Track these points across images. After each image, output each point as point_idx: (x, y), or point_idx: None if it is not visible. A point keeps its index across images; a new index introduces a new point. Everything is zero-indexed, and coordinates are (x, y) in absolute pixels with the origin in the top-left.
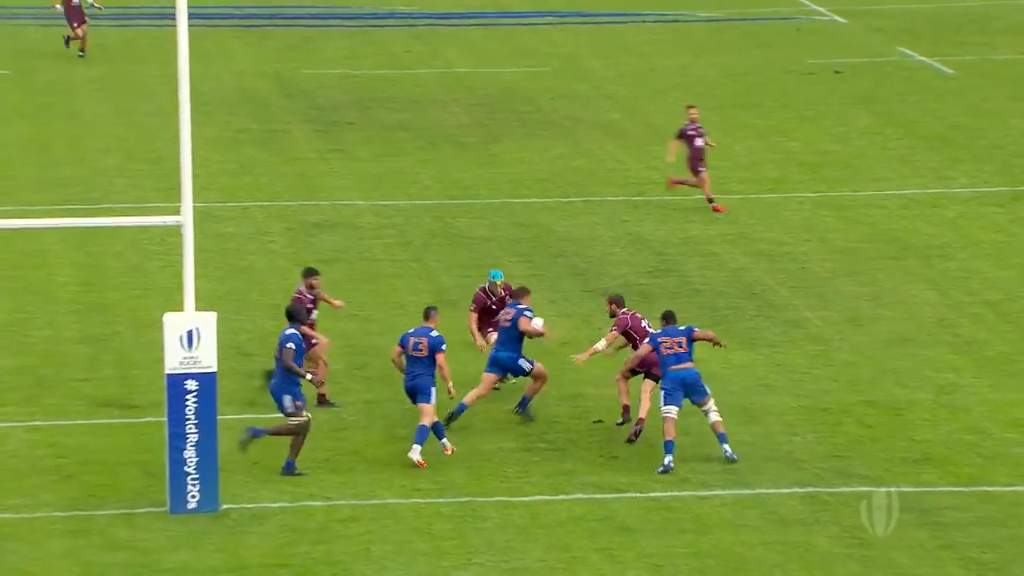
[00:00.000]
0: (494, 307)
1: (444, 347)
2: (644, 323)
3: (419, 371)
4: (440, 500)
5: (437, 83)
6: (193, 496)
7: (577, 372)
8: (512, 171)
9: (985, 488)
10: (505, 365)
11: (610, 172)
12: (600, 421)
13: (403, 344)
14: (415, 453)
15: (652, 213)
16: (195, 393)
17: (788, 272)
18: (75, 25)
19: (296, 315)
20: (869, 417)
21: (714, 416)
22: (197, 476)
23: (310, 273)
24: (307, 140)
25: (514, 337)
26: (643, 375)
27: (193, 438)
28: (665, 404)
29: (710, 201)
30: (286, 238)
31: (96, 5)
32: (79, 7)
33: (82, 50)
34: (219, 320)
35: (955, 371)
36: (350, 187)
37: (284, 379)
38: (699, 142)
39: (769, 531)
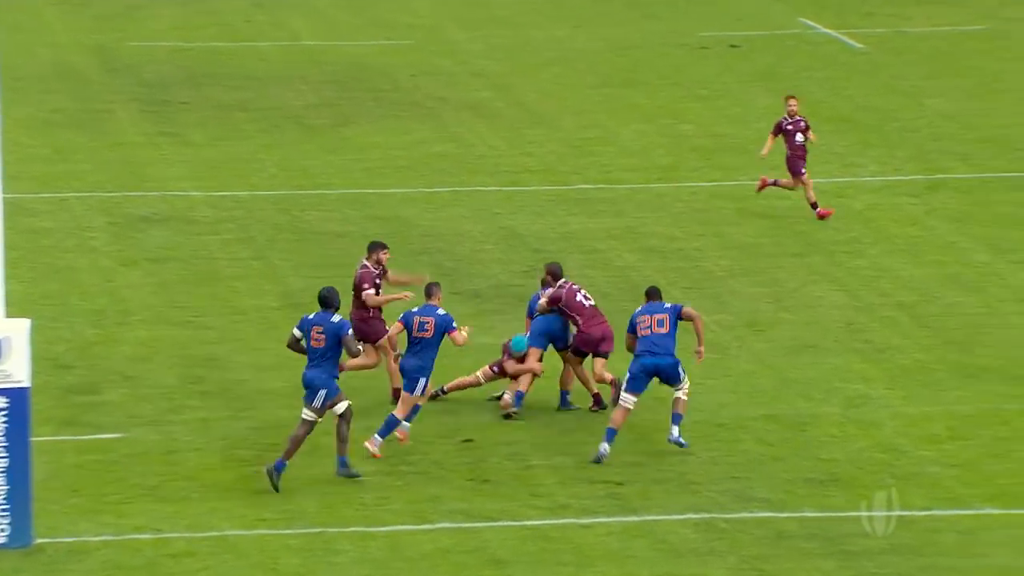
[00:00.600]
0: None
1: (455, 325)
2: (581, 296)
3: (419, 351)
4: (288, 531)
5: (281, 58)
6: (2, 530)
7: (441, 383)
8: (367, 157)
9: (900, 512)
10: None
11: (480, 159)
12: (470, 440)
13: (407, 323)
14: (373, 444)
15: (527, 205)
16: (5, 412)
17: (680, 271)
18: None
19: (331, 301)
20: (770, 434)
21: (681, 395)
22: (7, 507)
23: (378, 247)
24: (133, 122)
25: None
26: (591, 355)
27: (2, 463)
28: (625, 390)
29: (814, 206)
30: (109, 233)
31: None
32: None
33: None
34: (33, 328)
35: (865, 381)
36: (183, 175)
37: (326, 370)
38: (799, 138)
39: (659, 563)
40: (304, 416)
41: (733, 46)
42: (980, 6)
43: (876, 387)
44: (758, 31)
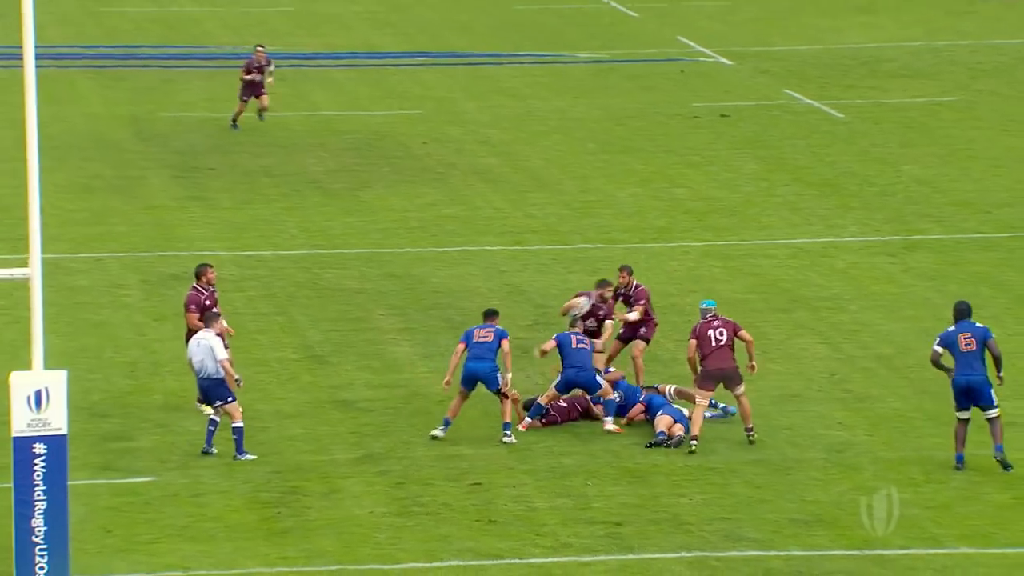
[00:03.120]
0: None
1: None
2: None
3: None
4: (308, 568)
5: (303, 127)
6: (41, 568)
7: (453, 432)
8: (383, 219)
9: (878, 551)
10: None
11: (487, 220)
12: (479, 484)
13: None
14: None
15: (531, 263)
16: (43, 457)
17: (674, 324)
18: (244, 99)
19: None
20: (758, 477)
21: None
22: (46, 547)
23: (604, 284)
24: (164, 187)
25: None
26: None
27: (41, 505)
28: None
29: None
30: (142, 291)
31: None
32: (259, 84)
33: (235, 121)
34: (70, 379)
35: (847, 428)
36: (210, 236)
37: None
38: None
39: None
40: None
41: (723, 116)
42: (952, 79)
43: (857, 434)
44: (746, 102)
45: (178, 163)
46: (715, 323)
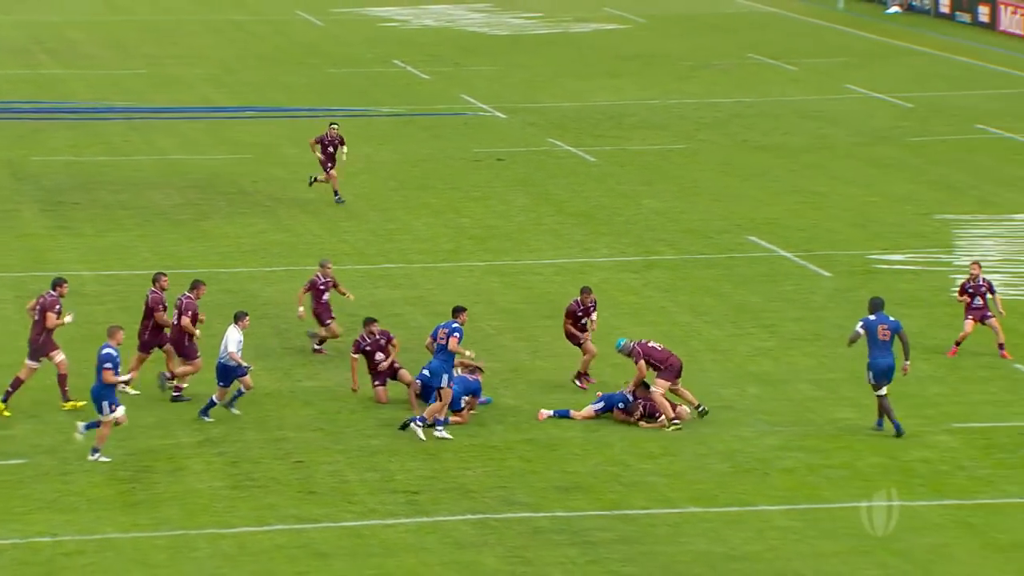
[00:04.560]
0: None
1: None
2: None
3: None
4: (156, 534)
5: (153, 168)
6: None
7: (280, 418)
8: (221, 244)
9: (625, 511)
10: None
11: (307, 245)
12: (301, 461)
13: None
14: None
15: (345, 280)
16: None
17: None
18: (329, 167)
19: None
20: (529, 452)
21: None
22: None
23: (586, 291)
24: (36, 218)
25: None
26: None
27: None
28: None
29: None
30: (15, 305)
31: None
32: (333, 155)
33: (336, 193)
34: None
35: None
36: (76, 259)
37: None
38: None
39: (446, 553)
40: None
41: (499, 159)
42: (680, 130)
43: (608, 416)
44: (517, 148)
45: (47, 199)
46: (646, 342)
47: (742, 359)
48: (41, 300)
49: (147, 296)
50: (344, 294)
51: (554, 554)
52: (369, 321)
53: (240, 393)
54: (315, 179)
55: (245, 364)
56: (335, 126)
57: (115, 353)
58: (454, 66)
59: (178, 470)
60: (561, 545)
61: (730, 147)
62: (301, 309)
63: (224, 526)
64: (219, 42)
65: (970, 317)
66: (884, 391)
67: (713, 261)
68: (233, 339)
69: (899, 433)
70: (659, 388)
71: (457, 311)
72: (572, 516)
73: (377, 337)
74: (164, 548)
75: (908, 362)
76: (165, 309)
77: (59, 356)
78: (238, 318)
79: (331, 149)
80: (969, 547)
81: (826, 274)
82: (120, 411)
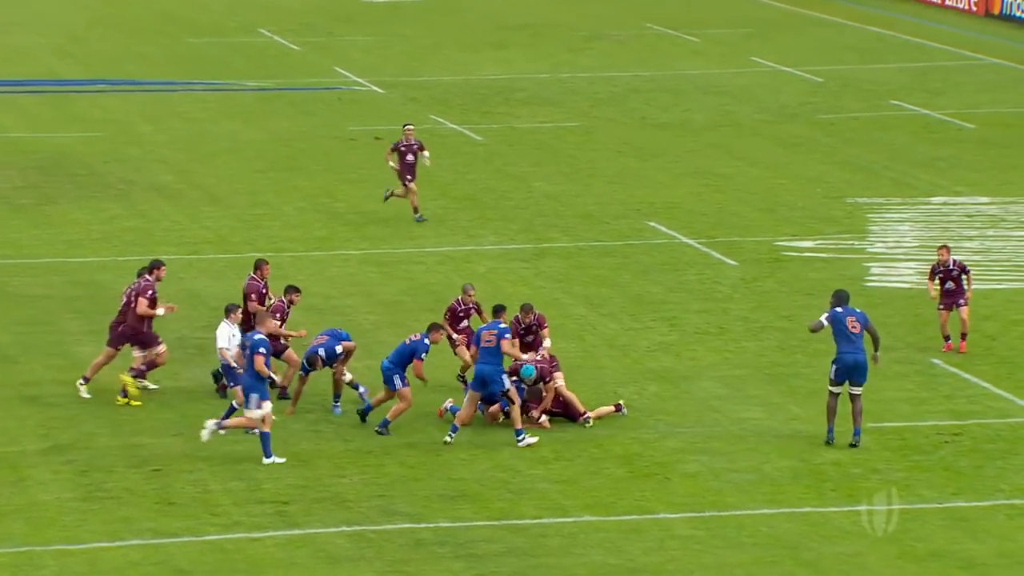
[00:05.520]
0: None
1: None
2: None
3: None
4: None
5: None
6: None
7: (135, 422)
8: (68, 231)
9: (514, 521)
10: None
11: (165, 232)
12: (158, 470)
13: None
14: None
15: (207, 270)
16: None
17: (335, 324)
18: (408, 180)
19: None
20: (411, 458)
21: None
22: None
23: (468, 287)
24: None
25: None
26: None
27: None
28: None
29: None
30: None
31: (428, 162)
32: (414, 164)
33: (415, 210)
34: None
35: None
36: None
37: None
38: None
39: (319, 569)
40: None
41: (377, 138)
42: (574, 107)
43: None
44: (397, 126)
45: None
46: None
47: (641, 355)
48: (136, 285)
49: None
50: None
51: (437, 568)
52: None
53: (232, 409)
54: (391, 193)
55: (235, 364)
56: (411, 128)
57: (266, 340)
58: (327, 36)
59: (21, 480)
60: (445, 558)
61: (628, 125)
62: (465, 349)
63: (73, 541)
64: (66, 8)
65: (942, 306)
66: (856, 391)
67: (610, 249)
68: (223, 335)
69: (829, 441)
70: (559, 380)
71: (498, 311)
72: (457, 527)
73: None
74: (6, 566)
75: (879, 352)
76: (260, 298)
77: (161, 347)
78: (229, 312)
79: (410, 157)
80: (884, 556)
81: (731, 262)
82: (267, 407)
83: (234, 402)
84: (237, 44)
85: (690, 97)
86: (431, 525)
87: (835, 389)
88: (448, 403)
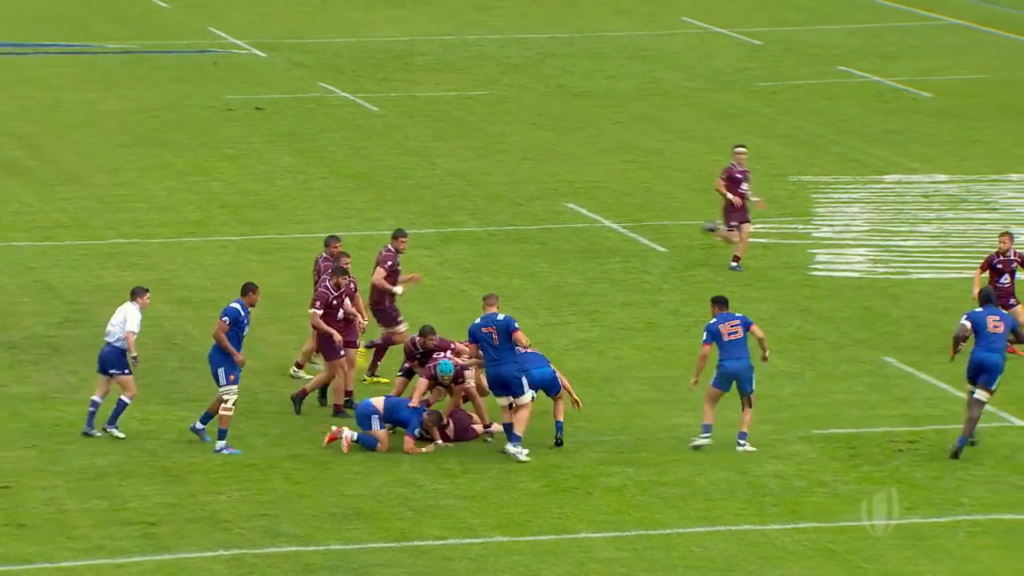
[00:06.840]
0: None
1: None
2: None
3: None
4: None
5: None
6: None
7: None
8: None
9: (416, 543)
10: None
11: (14, 215)
12: (7, 487)
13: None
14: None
15: (61, 259)
16: None
17: (212, 320)
18: (734, 225)
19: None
20: (297, 472)
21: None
22: None
23: (331, 239)
24: None
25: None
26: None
27: None
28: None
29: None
30: None
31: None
32: (743, 207)
33: (736, 259)
34: None
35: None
36: None
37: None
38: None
39: None
40: None
41: (258, 108)
42: (483, 73)
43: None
44: (281, 94)
45: None
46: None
47: (559, 353)
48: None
49: None
50: None
51: None
52: None
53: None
54: (714, 228)
55: (134, 355)
56: (742, 150)
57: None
58: None
59: None
60: None
61: (543, 94)
62: None
63: None
64: None
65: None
66: (981, 395)
67: (524, 234)
68: (134, 319)
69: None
70: (471, 381)
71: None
72: (351, 549)
73: None
74: None
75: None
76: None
77: (403, 327)
78: (136, 295)
79: (745, 187)
80: None
81: (660, 249)
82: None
83: (123, 396)
84: (95, 0)
85: (613, 62)
86: (321, 548)
87: (971, 389)
88: (345, 432)
